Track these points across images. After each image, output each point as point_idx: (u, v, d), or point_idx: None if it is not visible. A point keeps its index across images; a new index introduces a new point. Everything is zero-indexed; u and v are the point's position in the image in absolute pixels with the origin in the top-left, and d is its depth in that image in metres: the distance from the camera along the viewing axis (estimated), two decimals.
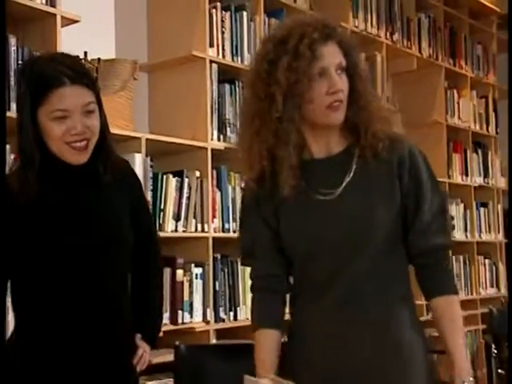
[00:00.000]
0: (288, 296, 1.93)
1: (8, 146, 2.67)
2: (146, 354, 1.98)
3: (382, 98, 1.96)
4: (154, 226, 2.24)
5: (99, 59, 3.10)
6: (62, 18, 2.84)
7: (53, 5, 2.83)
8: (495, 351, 4.42)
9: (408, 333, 1.80)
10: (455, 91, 5.37)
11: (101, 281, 1.86)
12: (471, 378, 1.71)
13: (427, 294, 1.82)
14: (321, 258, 1.78)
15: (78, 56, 1.90)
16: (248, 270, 1.99)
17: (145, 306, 2.08)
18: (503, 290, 5.57)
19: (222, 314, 3.39)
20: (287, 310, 1.92)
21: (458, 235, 5.21)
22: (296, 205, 1.79)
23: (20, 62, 2.72)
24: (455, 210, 5.25)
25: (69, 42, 2.77)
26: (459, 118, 5.37)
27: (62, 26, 2.85)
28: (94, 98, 1.80)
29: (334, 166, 1.80)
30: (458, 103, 5.39)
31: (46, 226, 1.81)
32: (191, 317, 3.26)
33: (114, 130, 2.89)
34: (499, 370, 4.38)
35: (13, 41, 2.74)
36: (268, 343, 1.82)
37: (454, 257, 5.09)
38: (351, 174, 1.79)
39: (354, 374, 1.74)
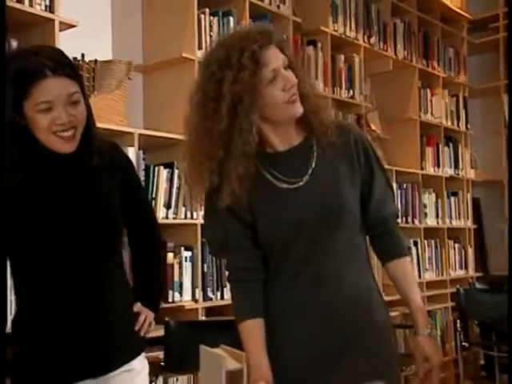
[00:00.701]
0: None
1: None
2: (148, 318, 1.96)
3: (316, 86, 1.92)
4: (150, 203, 2.19)
5: (96, 60, 3.10)
6: (60, 23, 2.83)
7: (51, 11, 2.82)
8: (460, 326, 4.47)
9: (378, 311, 1.82)
10: (428, 90, 5.37)
11: (90, 260, 1.81)
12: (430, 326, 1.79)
13: (384, 258, 1.85)
14: (299, 241, 1.76)
15: (54, 47, 1.84)
16: None
17: (146, 276, 2.06)
18: (471, 272, 5.60)
19: (209, 294, 3.39)
20: None
21: (430, 221, 5.25)
22: (269, 197, 1.77)
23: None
24: (428, 198, 5.27)
25: (67, 45, 2.71)
26: (432, 114, 5.38)
27: (61, 30, 2.84)
28: (77, 87, 1.72)
29: (297, 156, 1.79)
30: (431, 101, 5.39)
31: (34, 210, 1.77)
32: (181, 296, 3.25)
33: (109, 126, 2.95)
34: (463, 343, 4.42)
35: (14, 44, 2.74)
36: (255, 333, 1.76)
37: (426, 241, 5.14)
38: (314, 162, 1.78)
39: (331, 350, 1.74)
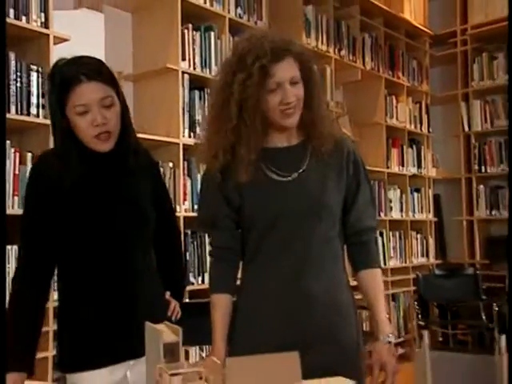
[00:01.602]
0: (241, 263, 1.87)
1: (8, 142, 2.69)
2: (177, 307, 1.94)
3: (329, 103, 1.87)
4: (173, 208, 2.12)
5: None
6: (54, 37, 2.83)
7: (46, 27, 2.82)
8: (417, 307, 4.51)
9: (346, 295, 1.79)
10: (394, 97, 5.36)
11: (127, 248, 1.78)
12: (391, 335, 1.68)
13: (357, 266, 1.80)
14: (278, 230, 1.73)
15: (94, 57, 1.75)
16: None
17: (175, 270, 2.04)
18: (431, 259, 5.62)
19: (191, 279, 3.39)
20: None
21: (395, 215, 5.26)
22: (259, 185, 1.74)
23: (18, 73, 2.71)
24: (393, 194, 5.28)
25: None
26: (397, 119, 5.36)
27: (55, 44, 2.83)
28: (111, 92, 1.69)
29: (292, 154, 1.77)
30: (396, 107, 5.38)
31: (82, 206, 1.73)
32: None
33: None
34: (419, 322, 4.45)
35: (12, 56, 2.73)
36: (222, 306, 1.77)
37: (391, 232, 5.14)
38: (306, 163, 1.75)
39: (306, 332, 1.69)
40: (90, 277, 1.75)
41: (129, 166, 1.77)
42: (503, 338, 1.01)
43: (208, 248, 1.91)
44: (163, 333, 1.04)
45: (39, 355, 1.83)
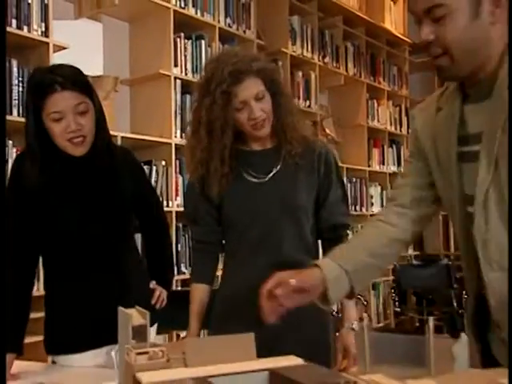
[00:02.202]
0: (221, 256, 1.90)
1: (10, 142, 2.71)
2: (162, 294, 1.92)
3: (298, 110, 1.85)
4: (160, 202, 2.10)
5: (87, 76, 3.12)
6: (54, 45, 2.83)
7: (46, 35, 2.82)
8: (394, 295, 4.55)
9: None
10: (375, 101, 5.39)
11: (107, 241, 1.77)
12: (355, 322, 1.73)
13: None
14: (256, 225, 1.76)
15: (71, 65, 1.71)
16: None
17: (160, 261, 2.02)
18: (410, 251, 5.63)
19: (182, 268, 3.41)
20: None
21: (376, 210, 5.25)
22: (237, 186, 1.77)
23: (20, 78, 2.72)
24: (374, 190, 5.32)
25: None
26: (378, 121, 5.40)
27: (54, 52, 2.83)
28: (85, 99, 1.65)
29: (266, 158, 1.79)
30: (377, 110, 5.41)
31: (58, 205, 1.73)
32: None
33: None
34: (396, 308, 4.49)
35: (15, 63, 2.73)
36: (199, 294, 1.81)
37: None
38: (279, 166, 1.77)
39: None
40: (70, 269, 1.76)
41: (104, 168, 1.75)
42: (431, 319, 1.06)
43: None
44: (132, 316, 1.07)
45: (38, 339, 1.86)
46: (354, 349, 1.70)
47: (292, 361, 1.11)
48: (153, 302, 1.88)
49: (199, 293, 1.81)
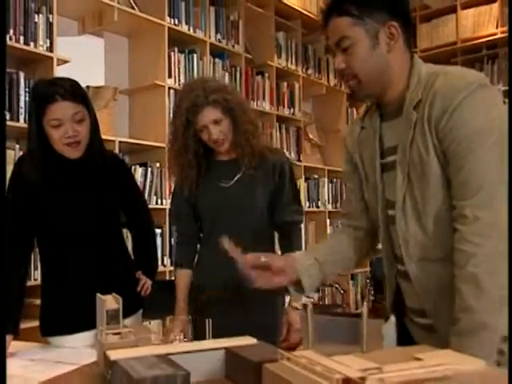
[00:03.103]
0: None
1: (17, 146, 2.75)
2: (147, 284, 1.94)
3: (256, 127, 1.98)
4: (146, 202, 2.13)
5: (88, 86, 3.10)
6: (58, 59, 2.86)
7: (51, 50, 2.85)
8: (370, 285, 4.59)
9: None
10: (354, 109, 5.38)
11: (97, 234, 1.80)
12: (299, 303, 1.85)
13: (282, 251, 1.97)
14: (223, 220, 1.93)
15: (71, 79, 1.75)
16: None
17: (145, 254, 2.05)
18: None
19: (175, 263, 3.42)
20: None
21: None
22: (208, 189, 1.96)
23: (27, 89, 2.74)
24: None
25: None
26: None
27: (58, 65, 2.86)
28: (82, 109, 1.69)
29: (230, 166, 1.95)
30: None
31: (52, 202, 1.75)
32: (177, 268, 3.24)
33: None
34: (371, 297, 4.53)
35: (22, 75, 2.76)
36: (183, 277, 2.00)
37: None
38: (240, 173, 1.93)
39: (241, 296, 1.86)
40: (63, 259, 1.78)
41: (96, 170, 1.79)
42: (365, 304, 1.12)
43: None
44: (107, 302, 1.13)
45: (35, 324, 1.89)
46: (296, 324, 1.83)
47: (246, 341, 1.17)
48: (138, 289, 1.91)
49: (184, 277, 1.99)
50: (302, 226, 2.55)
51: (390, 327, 1.33)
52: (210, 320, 1.22)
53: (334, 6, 1.27)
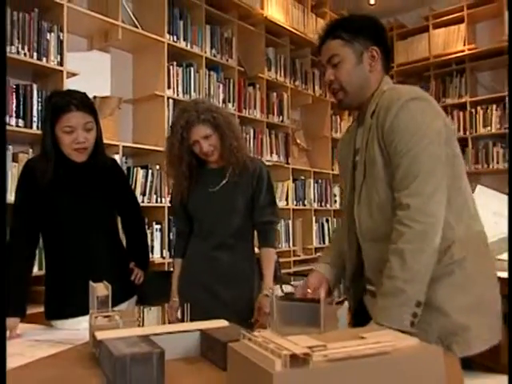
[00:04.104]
0: None
1: (30, 150, 2.77)
2: (139, 274, 1.97)
3: (241, 142, 2.07)
4: (138, 203, 2.14)
5: (95, 96, 3.13)
6: (67, 72, 2.89)
7: (61, 65, 2.88)
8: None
9: (249, 264, 2.06)
10: (338, 117, 5.43)
11: (95, 228, 1.81)
12: (270, 290, 1.90)
13: (260, 244, 2.06)
14: (209, 219, 2.04)
15: (82, 92, 1.79)
16: None
17: (138, 246, 2.07)
18: None
19: (173, 253, 3.44)
20: None
21: (338, 206, 5.36)
22: (199, 193, 2.05)
23: (39, 99, 2.76)
24: (337, 190, 5.34)
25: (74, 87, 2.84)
26: (340, 133, 5.39)
27: (68, 78, 2.88)
28: (91, 119, 1.73)
29: (217, 174, 2.04)
30: (340, 124, 5.44)
31: (58, 199, 1.76)
32: (153, 255, 3.27)
33: (104, 141, 3.02)
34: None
35: (35, 86, 2.79)
36: (176, 267, 2.12)
37: (335, 219, 5.17)
38: (226, 180, 2.02)
39: (221, 276, 1.99)
40: (64, 250, 1.80)
41: (97, 172, 1.82)
42: (322, 291, 1.19)
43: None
44: (97, 289, 1.17)
45: (40, 310, 1.90)
46: (265, 308, 1.90)
47: (219, 323, 1.22)
48: (132, 277, 1.95)
49: (179, 264, 2.11)
50: (290, 222, 2.65)
51: (344, 311, 1.39)
52: (189, 304, 1.27)
53: (329, 31, 1.41)
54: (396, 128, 1.27)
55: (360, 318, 1.38)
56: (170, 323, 2.03)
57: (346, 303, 1.43)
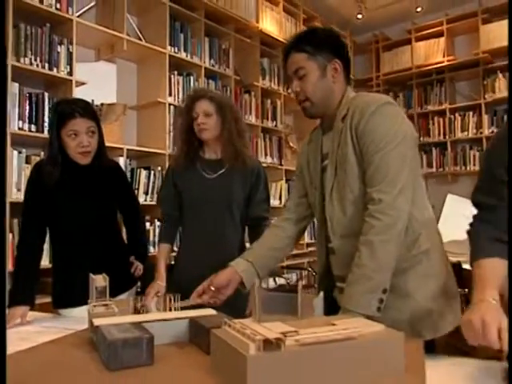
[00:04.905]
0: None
1: (42, 153, 2.80)
2: (139, 267, 1.99)
3: (245, 130, 2.01)
4: (138, 202, 2.15)
5: (102, 104, 3.18)
6: (76, 81, 2.90)
7: (70, 74, 2.88)
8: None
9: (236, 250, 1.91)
10: None
11: (99, 224, 1.82)
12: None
13: (251, 240, 2.00)
14: (205, 207, 1.94)
15: (85, 100, 1.81)
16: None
17: (137, 242, 2.08)
18: None
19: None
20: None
21: None
22: (193, 178, 1.97)
23: (50, 107, 2.73)
24: None
25: (83, 95, 2.85)
26: None
27: (76, 87, 2.89)
28: (94, 124, 1.75)
29: (215, 163, 1.97)
30: None
31: (64, 198, 1.77)
32: (154, 248, 3.23)
33: (109, 144, 2.92)
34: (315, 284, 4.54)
35: (46, 95, 2.80)
36: (164, 250, 2.01)
37: None
38: (223, 170, 1.96)
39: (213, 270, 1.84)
40: (68, 246, 1.82)
41: (100, 173, 1.83)
42: (300, 283, 1.20)
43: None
44: (96, 280, 1.20)
45: (47, 300, 1.92)
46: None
47: (207, 312, 1.24)
48: (132, 270, 1.98)
49: (165, 249, 2.01)
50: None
51: (319, 301, 1.41)
52: (179, 295, 1.28)
53: (294, 45, 1.40)
54: (369, 129, 1.28)
55: (331, 310, 1.40)
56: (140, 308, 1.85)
57: (322, 293, 1.44)
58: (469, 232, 1.19)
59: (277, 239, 1.55)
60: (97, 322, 1.05)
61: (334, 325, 1.00)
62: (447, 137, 5.14)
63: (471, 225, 1.21)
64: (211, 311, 1.24)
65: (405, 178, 1.26)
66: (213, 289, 1.42)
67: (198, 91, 1.97)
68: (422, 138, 5.27)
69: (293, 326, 0.95)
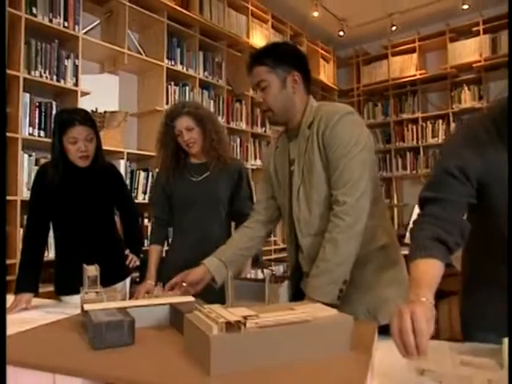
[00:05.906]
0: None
1: (49, 156, 2.83)
2: (133, 259, 2.01)
3: (225, 137, 1.98)
4: (133, 200, 2.17)
5: (105, 111, 3.19)
6: (81, 92, 2.91)
7: (76, 85, 2.90)
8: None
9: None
10: None
11: (96, 222, 1.84)
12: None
13: None
14: (190, 209, 1.91)
15: (84, 109, 1.83)
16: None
17: (133, 236, 2.08)
18: None
19: (150, 239, 3.41)
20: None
21: None
22: (182, 182, 1.94)
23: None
24: None
25: (86, 104, 2.86)
26: None
27: (82, 96, 2.91)
28: (92, 131, 1.76)
29: (201, 167, 1.95)
30: None
31: (65, 197, 1.79)
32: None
33: (111, 148, 2.98)
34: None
35: (54, 103, 2.82)
36: (154, 251, 1.94)
37: None
38: (208, 172, 1.94)
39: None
40: (70, 240, 1.85)
41: (98, 175, 1.85)
42: (267, 273, 1.22)
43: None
44: (88, 270, 1.23)
45: (51, 289, 1.94)
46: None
47: (186, 299, 1.27)
48: (127, 262, 2.01)
49: (156, 251, 1.95)
50: None
51: (284, 289, 1.44)
52: (162, 282, 1.31)
53: (256, 58, 1.38)
54: (334, 136, 1.29)
55: (297, 297, 1.43)
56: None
57: (286, 282, 1.47)
58: (411, 230, 1.16)
59: (246, 239, 1.55)
60: (87, 307, 1.09)
61: (293, 310, 1.04)
62: (420, 142, 5.19)
63: (414, 222, 1.17)
64: (190, 298, 1.28)
65: (366, 181, 1.28)
66: (184, 284, 1.42)
67: (174, 109, 1.90)
68: (397, 143, 5.32)
69: (255, 311, 0.98)
